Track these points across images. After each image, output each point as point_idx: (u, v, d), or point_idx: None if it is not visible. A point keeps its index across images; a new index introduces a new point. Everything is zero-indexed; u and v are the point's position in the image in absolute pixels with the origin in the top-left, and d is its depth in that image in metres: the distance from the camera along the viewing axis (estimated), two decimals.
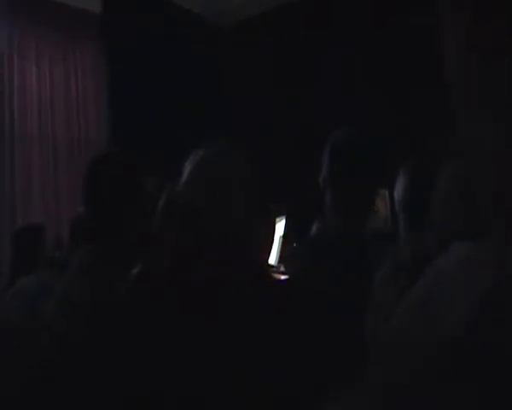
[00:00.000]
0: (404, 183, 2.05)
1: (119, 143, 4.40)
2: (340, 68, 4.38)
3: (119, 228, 1.51)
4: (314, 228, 3.14)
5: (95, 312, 1.19)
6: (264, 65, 4.98)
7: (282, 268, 3.11)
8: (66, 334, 1.27)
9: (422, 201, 1.87)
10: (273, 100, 4.87)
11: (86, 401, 1.05)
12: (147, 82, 4.59)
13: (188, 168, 1.21)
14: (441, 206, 1.54)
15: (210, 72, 5.03)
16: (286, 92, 4.77)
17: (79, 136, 4.55)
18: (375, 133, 2.16)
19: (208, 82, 5.00)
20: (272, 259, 3.38)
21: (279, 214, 3.48)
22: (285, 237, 3.49)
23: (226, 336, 1.11)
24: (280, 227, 3.53)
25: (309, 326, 1.38)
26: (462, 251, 0.71)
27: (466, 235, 0.72)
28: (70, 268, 1.59)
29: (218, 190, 1.21)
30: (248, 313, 1.21)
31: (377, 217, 3.04)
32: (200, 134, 1.30)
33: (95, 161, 1.59)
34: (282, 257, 3.37)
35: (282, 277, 2.75)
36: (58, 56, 4.42)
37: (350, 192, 1.92)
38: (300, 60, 4.74)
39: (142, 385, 1.01)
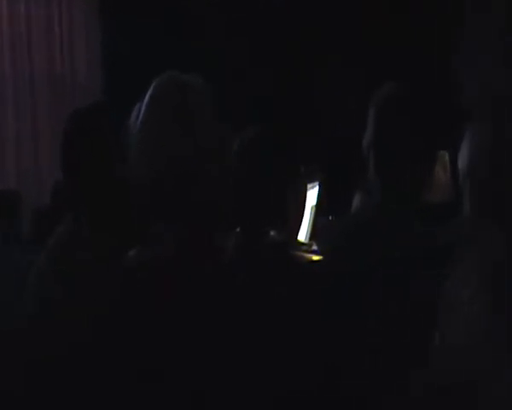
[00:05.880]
0: (470, 149, 2.03)
1: (112, 82, 4.47)
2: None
3: (106, 201, 1.56)
4: (355, 201, 3.14)
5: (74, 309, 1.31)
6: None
7: (315, 246, 3.11)
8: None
9: None
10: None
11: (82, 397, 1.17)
12: (145, 16, 4.59)
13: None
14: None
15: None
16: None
17: (64, 73, 4.56)
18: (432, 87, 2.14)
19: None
20: (302, 234, 3.40)
21: (311, 179, 3.47)
22: (318, 207, 3.48)
23: (244, 322, 1.25)
24: (312, 195, 3.53)
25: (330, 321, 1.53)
26: None
27: None
28: (46, 249, 1.64)
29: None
30: (267, 301, 1.34)
31: (435, 186, 3.03)
32: (202, 74, 1.40)
33: (78, 114, 1.65)
34: (314, 232, 3.38)
35: (314, 257, 2.76)
36: None
37: (401, 160, 1.91)
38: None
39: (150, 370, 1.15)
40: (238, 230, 2.09)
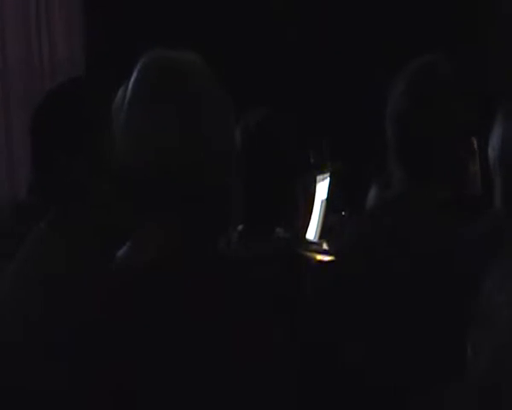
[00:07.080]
0: (503, 133, 1.99)
1: (97, 64, 4.50)
2: None
3: (90, 196, 1.51)
4: (371, 195, 3.11)
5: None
6: None
7: (325, 246, 3.08)
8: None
9: None
10: None
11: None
12: None
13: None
14: None
15: None
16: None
17: (41, 53, 4.54)
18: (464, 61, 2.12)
19: None
20: (312, 232, 3.40)
21: (321, 171, 3.46)
22: (330, 202, 3.48)
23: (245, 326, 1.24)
24: (323, 188, 3.53)
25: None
26: None
27: None
28: (20, 251, 1.61)
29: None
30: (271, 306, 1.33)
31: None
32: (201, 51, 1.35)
33: (49, 95, 1.60)
34: (324, 230, 3.38)
35: (325, 258, 2.73)
36: None
37: (431, 143, 1.89)
38: None
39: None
40: (240, 227, 2.07)
